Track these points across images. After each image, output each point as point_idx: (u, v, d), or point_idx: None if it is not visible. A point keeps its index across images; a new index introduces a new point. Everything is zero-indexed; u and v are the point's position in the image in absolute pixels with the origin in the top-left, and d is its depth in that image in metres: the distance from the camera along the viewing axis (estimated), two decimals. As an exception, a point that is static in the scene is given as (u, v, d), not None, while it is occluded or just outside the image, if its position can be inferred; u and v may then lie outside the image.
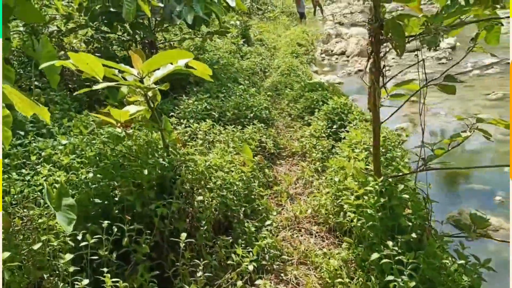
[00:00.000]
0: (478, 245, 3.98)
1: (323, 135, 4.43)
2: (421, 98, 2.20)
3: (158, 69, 2.49)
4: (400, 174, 2.48)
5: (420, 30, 2.07)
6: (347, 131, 4.28)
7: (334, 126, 4.54)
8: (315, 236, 3.07)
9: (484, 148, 5.86)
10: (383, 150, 3.46)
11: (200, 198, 2.56)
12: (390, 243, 2.07)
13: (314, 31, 16.51)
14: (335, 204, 3.11)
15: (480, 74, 9.88)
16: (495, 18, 2.00)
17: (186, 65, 2.52)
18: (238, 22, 10.92)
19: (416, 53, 2.46)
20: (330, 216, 3.05)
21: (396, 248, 2.03)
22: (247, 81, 6.15)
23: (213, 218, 2.70)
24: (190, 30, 6.82)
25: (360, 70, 11.32)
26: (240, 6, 6.35)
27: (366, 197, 2.34)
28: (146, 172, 2.35)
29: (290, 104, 6.00)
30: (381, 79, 2.23)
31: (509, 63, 11.11)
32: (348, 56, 13.06)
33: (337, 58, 13.33)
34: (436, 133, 6.54)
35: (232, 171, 3.14)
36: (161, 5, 4.91)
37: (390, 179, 2.39)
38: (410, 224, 2.18)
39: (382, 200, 2.22)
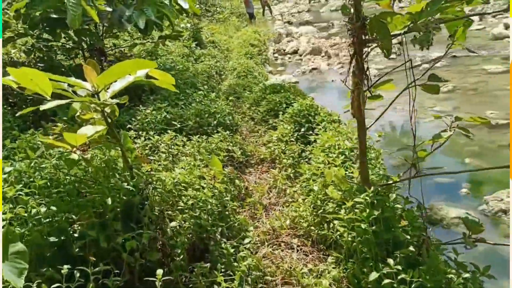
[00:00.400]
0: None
1: (292, 139, 4.27)
2: (410, 100, 2.08)
3: (115, 81, 2.20)
4: (391, 182, 2.35)
5: (403, 29, 1.94)
6: (316, 134, 4.15)
7: (302, 129, 4.39)
8: (297, 251, 2.88)
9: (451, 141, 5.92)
10: (356, 153, 3.35)
11: (173, 224, 2.28)
12: (391, 261, 1.92)
13: (265, 31, 16.49)
14: (315, 214, 2.95)
15: (429, 68, 10.18)
16: (484, 14, 1.91)
17: (147, 75, 2.25)
18: (189, 25, 10.59)
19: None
20: (312, 228, 2.87)
21: (398, 266, 1.88)
22: (206, 86, 5.88)
23: (187, 243, 2.44)
24: (140, 35, 6.46)
25: (314, 69, 11.38)
26: (193, 8, 6.07)
27: (357, 210, 2.18)
28: (109, 200, 2.04)
29: (252, 107, 5.81)
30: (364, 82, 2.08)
31: (454, 56, 11.50)
32: (300, 55, 13.13)
33: (290, 57, 13.36)
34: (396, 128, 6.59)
35: (204, 187, 2.88)
36: (109, 9, 4.52)
37: (379, 188, 2.26)
38: (408, 237, 2.04)
39: (375, 212, 2.07)
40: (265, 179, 3.96)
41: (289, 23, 21.03)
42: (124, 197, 2.19)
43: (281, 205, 3.49)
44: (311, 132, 4.34)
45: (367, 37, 1.98)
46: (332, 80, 9.88)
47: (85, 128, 1.87)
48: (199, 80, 6.20)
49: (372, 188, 2.20)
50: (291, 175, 3.80)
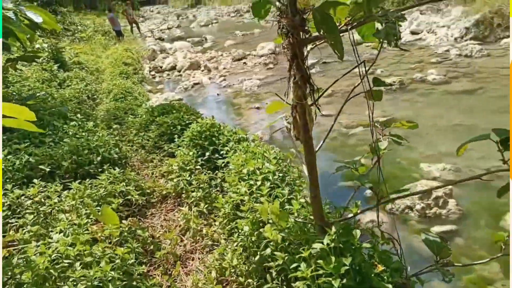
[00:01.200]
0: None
1: (197, 166, 3.63)
2: (369, 110, 1.68)
3: None
4: (351, 216, 1.91)
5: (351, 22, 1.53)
6: (224, 157, 3.60)
7: (207, 153, 3.78)
8: (234, 311, 2.28)
9: (335, 143, 5.88)
10: (280, 175, 2.89)
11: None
12: (380, 324, 1.47)
13: (137, 48, 15.48)
14: (246, 258, 2.38)
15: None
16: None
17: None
18: (45, 45, 9.12)
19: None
20: (250, 281, 2.29)
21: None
22: (79, 114, 4.86)
23: None
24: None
25: (196, 84, 10.87)
26: (51, 24, 4.98)
27: (320, 261, 1.68)
28: None
29: (140, 133, 4.98)
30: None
31: (324, 62, 12.03)
32: (179, 71, 12.57)
33: (168, 74, 12.69)
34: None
35: (97, 255, 2.09)
36: None
37: (339, 225, 1.81)
38: (389, 286, 1.61)
39: (346, 261, 1.59)
40: (173, 220, 3.24)
41: (161, 39, 20.26)
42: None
43: (200, 251, 2.83)
44: (217, 155, 3.77)
45: (307, 35, 1.51)
46: (218, 94, 9.51)
47: None
48: (69, 108, 5.13)
49: (333, 229, 1.73)
50: (205, 210, 3.17)
